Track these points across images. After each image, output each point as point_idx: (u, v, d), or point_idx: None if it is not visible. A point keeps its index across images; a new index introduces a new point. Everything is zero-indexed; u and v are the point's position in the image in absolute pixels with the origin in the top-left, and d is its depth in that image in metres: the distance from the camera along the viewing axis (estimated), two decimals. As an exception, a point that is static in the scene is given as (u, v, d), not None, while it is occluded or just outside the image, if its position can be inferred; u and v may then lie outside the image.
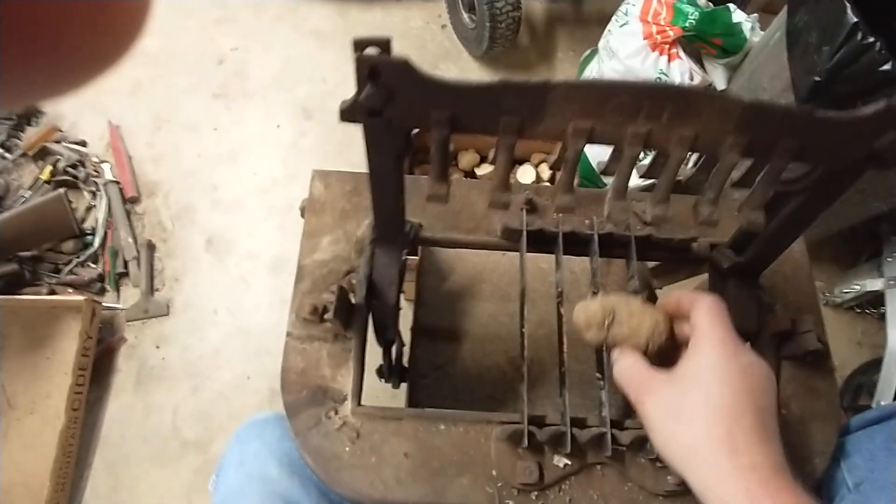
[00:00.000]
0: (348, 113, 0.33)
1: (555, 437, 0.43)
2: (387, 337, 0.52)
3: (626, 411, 0.48)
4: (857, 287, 1.17)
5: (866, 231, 1.24)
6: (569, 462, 0.43)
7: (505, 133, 0.34)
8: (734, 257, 0.48)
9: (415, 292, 0.73)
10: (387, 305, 0.48)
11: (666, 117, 0.32)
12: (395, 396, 0.70)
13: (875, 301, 1.21)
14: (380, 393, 0.73)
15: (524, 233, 0.49)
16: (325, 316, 0.46)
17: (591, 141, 0.34)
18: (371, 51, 0.30)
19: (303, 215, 0.54)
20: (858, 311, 1.26)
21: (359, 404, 0.45)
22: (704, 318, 0.37)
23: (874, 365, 1.11)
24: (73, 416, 1.09)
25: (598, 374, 0.48)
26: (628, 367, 0.39)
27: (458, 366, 0.68)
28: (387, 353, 0.55)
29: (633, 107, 0.32)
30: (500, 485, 0.43)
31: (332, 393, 0.45)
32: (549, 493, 0.43)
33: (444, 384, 0.65)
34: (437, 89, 0.32)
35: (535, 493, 0.43)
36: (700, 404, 0.33)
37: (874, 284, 1.13)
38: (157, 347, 1.20)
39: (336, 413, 0.45)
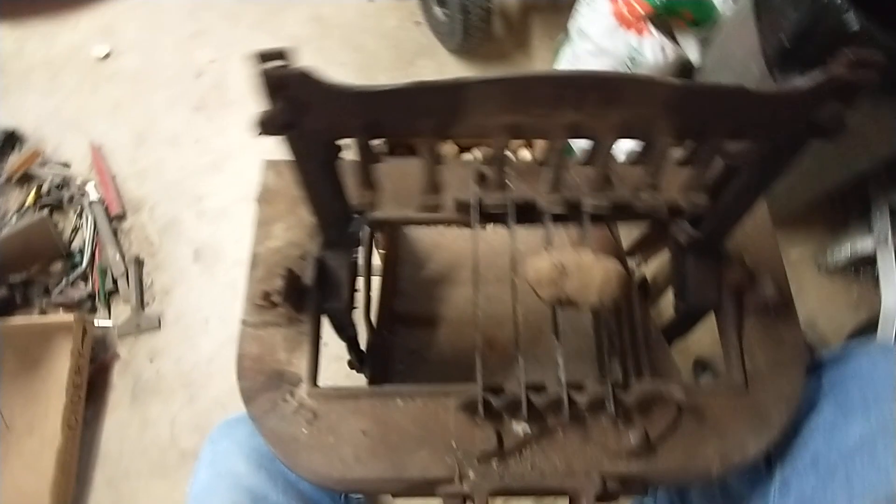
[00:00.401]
0: (263, 127, 0.32)
1: (512, 403, 0.42)
2: (347, 334, 0.52)
3: (584, 372, 0.47)
4: (849, 249, 1.16)
5: (856, 193, 1.23)
6: (528, 431, 0.43)
7: (424, 135, 0.33)
8: (691, 231, 0.47)
9: (388, 281, 0.73)
10: (340, 308, 0.48)
11: (591, 106, 0.31)
12: (362, 380, 0.70)
13: (871, 263, 1.19)
14: (344, 380, 0.73)
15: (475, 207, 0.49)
16: (275, 300, 0.46)
17: (518, 136, 0.34)
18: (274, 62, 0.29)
19: (257, 205, 0.54)
20: (854, 274, 1.24)
21: (314, 385, 0.45)
22: None
23: (872, 326, 1.09)
24: (70, 434, 1.09)
25: (553, 336, 0.48)
26: None
27: (433, 350, 0.67)
28: (351, 347, 0.55)
29: (555, 98, 0.31)
30: (459, 455, 0.42)
31: (288, 377, 0.45)
32: (510, 460, 0.42)
33: (418, 369, 0.65)
34: (348, 97, 0.31)
35: (496, 461, 0.42)
36: None
37: (865, 244, 1.11)
38: (151, 361, 1.20)
39: (292, 396, 0.44)
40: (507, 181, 0.54)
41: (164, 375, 1.19)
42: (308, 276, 0.47)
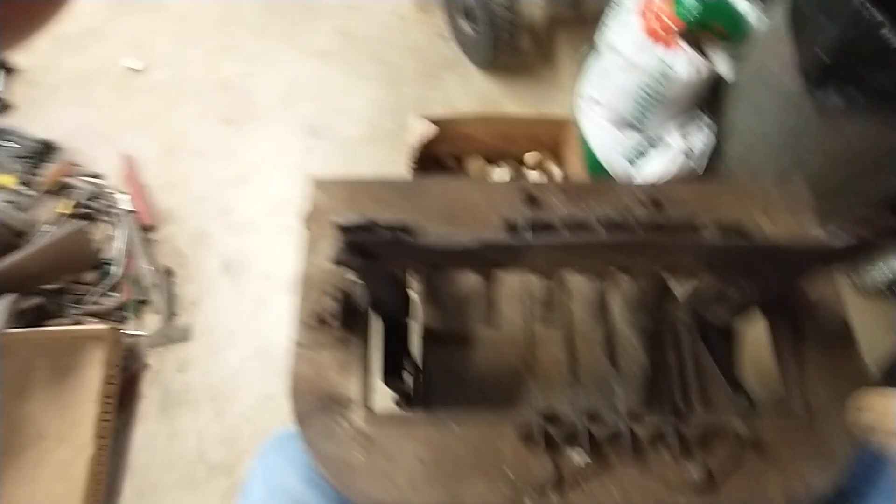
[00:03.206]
0: (340, 264, 0.37)
1: (570, 434, 0.42)
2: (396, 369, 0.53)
3: (643, 402, 0.47)
4: (886, 269, 1.14)
5: (893, 210, 1.20)
6: (587, 458, 0.42)
7: (485, 274, 0.39)
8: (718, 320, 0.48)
9: (426, 300, 0.72)
10: (397, 309, 0.48)
11: (638, 259, 0.35)
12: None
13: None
14: (388, 395, 0.73)
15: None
16: (329, 321, 0.46)
17: (568, 270, 0.38)
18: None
19: (306, 226, 0.54)
20: (893, 295, 1.21)
21: (369, 410, 0.44)
22: None
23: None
24: (101, 443, 1.10)
25: (610, 367, 0.47)
26: None
27: (471, 370, 0.67)
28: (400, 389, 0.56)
29: (606, 255, 0.35)
30: (516, 484, 0.42)
31: (341, 399, 0.45)
32: (568, 490, 0.42)
33: (458, 389, 0.64)
34: (420, 252, 0.35)
35: (553, 490, 0.42)
36: None
37: (902, 264, 1.09)
38: (180, 372, 1.21)
39: (347, 420, 0.44)
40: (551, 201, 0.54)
41: (192, 387, 1.20)
42: (361, 297, 0.47)
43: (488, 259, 0.35)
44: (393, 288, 0.42)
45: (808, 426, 0.43)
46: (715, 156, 1.25)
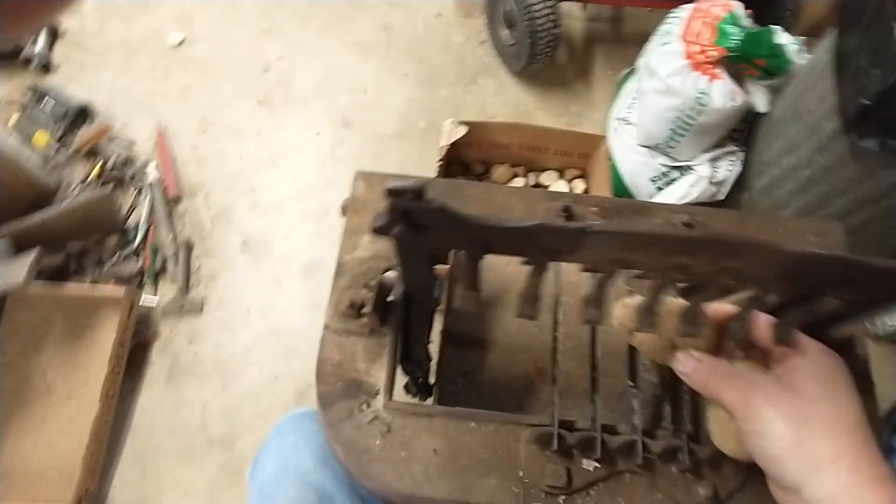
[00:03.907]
0: (379, 232, 0.34)
1: (584, 441, 0.43)
2: (415, 356, 0.53)
3: (657, 421, 0.47)
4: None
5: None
6: (598, 466, 0.43)
7: (536, 260, 0.35)
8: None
9: (444, 300, 0.73)
10: (429, 306, 0.49)
11: (704, 257, 0.33)
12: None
13: (920, 334, 1.16)
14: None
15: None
16: (363, 311, 0.47)
17: (625, 267, 0.35)
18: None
19: (344, 214, 0.55)
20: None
21: (390, 400, 0.46)
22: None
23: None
24: (107, 403, 1.12)
25: (630, 383, 0.48)
26: (721, 370, 0.39)
27: (485, 374, 0.67)
28: (414, 374, 0.57)
29: (671, 249, 0.32)
30: (527, 486, 0.43)
31: (366, 387, 0.46)
32: (577, 497, 0.43)
33: (471, 391, 0.65)
34: (473, 228, 0.33)
35: (563, 496, 0.43)
36: (834, 415, 0.36)
37: (919, 315, 1.09)
38: (190, 343, 1.23)
39: (368, 406, 0.45)
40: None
41: (202, 359, 1.22)
42: (395, 291, 0.48)
43: (542, 245, 0.33)
44: (427, 272, 0.42)
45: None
46: (739, 185, 1.25)
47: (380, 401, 0.45)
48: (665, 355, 0.42)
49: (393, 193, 0.31)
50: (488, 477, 0.43)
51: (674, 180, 1.27)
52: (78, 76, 1.50)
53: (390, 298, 0.48)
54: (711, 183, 1.22)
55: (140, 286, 1.28)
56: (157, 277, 1.28)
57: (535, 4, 1.28)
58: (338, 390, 0.46)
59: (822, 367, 0.38)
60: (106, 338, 1.16)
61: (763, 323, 0.39)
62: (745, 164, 1.24)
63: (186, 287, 1.27)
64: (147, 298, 1.25)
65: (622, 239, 0.32)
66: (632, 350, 0.48)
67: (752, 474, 0.43)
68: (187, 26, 1.57)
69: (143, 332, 1.23)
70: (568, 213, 0.53)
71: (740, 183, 1.25)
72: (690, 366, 0.40)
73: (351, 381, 0.46)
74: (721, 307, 0.40)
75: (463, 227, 0.33)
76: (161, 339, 1.24)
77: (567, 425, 0.44)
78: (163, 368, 1.21)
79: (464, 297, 0.40)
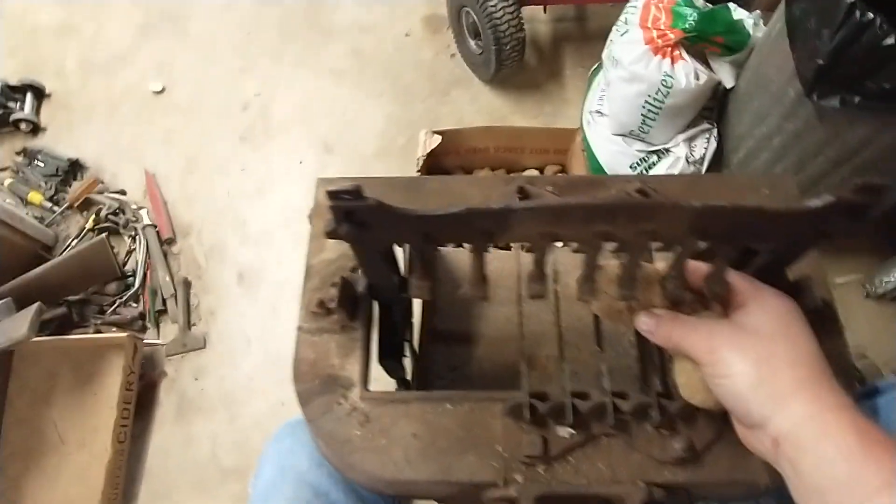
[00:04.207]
0: (331, 235, 0.37)
1: (556, 409, 0.44)
2: (393, 352, 0.55)
3: (627, 382, 0.48)
4: (896, 274, 1.13)
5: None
6: (574, 433, 0.44)
7: (476, 243, 0.39)
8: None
9: (428, 300, 0.75)
10: (393, 295, 0.50)
11: (620, 222, 0.35)
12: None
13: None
14: (391, 385, 0.75)
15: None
16: (330, 306, 0.48)
17: (555, 241, 0.38)
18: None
19: (311, 222, 0.57)
20: (902, 301, 1.21)
21: (366, 390, 0.47)
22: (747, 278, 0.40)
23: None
24: (118, 448, 1.13)
25: (596, 348, 0.49)
26: (682, 321, 0.40)
27: (473, 367, 0.68)
28: (395, 365, 0.58)
29: (588, 218, 0.35)
30: (507, 460, 0.43)
31: (342, 380, 0.47)
32: (556, 465, 0.43)
33: (460, 385, 0.66)
34: (409, 220, 0.36)
35: (542, 466, 0.43)
36: (791, 351, 0.37)
37: (912, 269, 1.09)
38: (196, 379, 1.25)
39: (346, 399, 0.46)
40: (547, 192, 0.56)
41: (208, 394, 1.23)
42: (360, 284, 0.49)
43: (476, 227, 0.36)
44: (387, 268, 0.44)
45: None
46: (717, 162, 1.26)
47: (356, 392, 0.47)
48: (625, 318, 0.43)
49: (332, 195, 0.34)
50: (467, 455, 0.44)
51: (653, 164, 1.28)
52: (66, 134, 1.54)
53: (358, 292, 0.50)
54: (689, 162, 1.24)
55: (142, 329, 1.30)
56: (158, 318, 1.30)
57: (496, 12, 1.31)
58: (315, 387, 0.47)
59: (774, 308, 0.39)
60: (112, 383, 1.18)
61: (703, 277, 0.40)
62: (721, 140, 1.25)
63: (188, 325, 1.29)
64: (150, 340, 1.27)
65: (544, 213, 0.34)
66: (597, 318, 0.49)
67: (727, 424, 0.43)
68: (166, 73, 1.62)
69: (150, 373, 1.25)
70: (523, 194, 0.54)
71: (718, 159, 1.26)
72: (652, 323, 0.41)
73: (327, 376, 0.48)
74: (699, 265, 0.41)
75: (401, 220, 0.36)
76: (167, 379, 1.25)
77: (539, 396, 0.45)
78: (171, 407, 1.23)
79: (418, 287, 0.42)
